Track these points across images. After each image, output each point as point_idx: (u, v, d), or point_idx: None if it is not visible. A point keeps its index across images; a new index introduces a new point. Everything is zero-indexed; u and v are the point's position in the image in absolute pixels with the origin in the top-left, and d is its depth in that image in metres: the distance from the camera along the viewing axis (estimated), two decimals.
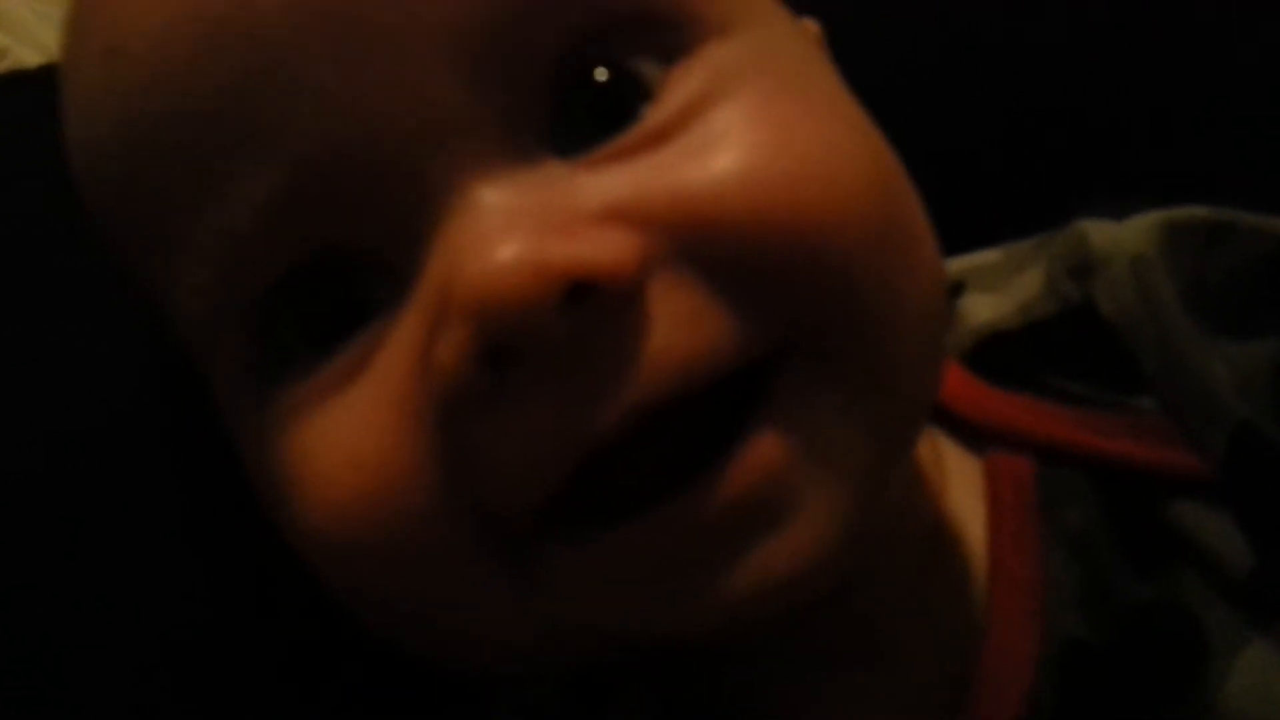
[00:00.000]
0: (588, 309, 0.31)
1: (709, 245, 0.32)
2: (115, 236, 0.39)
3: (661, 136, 0.34)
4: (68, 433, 0.45)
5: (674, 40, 0.35)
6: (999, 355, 0.44)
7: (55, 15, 1.12)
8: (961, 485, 0.43)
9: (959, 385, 0.44)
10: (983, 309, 0.45)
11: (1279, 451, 0.40)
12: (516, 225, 0.32)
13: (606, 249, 0.31)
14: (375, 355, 0.34)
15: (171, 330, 0.39)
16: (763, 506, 0.32)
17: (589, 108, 0.34)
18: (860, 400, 0.34)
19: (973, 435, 0.43)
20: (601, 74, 0.34)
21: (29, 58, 1.06)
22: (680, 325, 0.32)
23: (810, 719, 0.41)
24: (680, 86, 0.34)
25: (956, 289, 0.47)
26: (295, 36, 0.33)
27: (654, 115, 0.34)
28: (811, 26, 0.43)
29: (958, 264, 0.48)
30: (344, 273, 0.35)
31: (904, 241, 0.35)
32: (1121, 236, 0.43)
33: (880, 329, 0.34)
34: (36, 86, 0.55)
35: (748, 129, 0.33)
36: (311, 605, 0.39)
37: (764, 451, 0.32)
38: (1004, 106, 0.54)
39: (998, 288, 0.46)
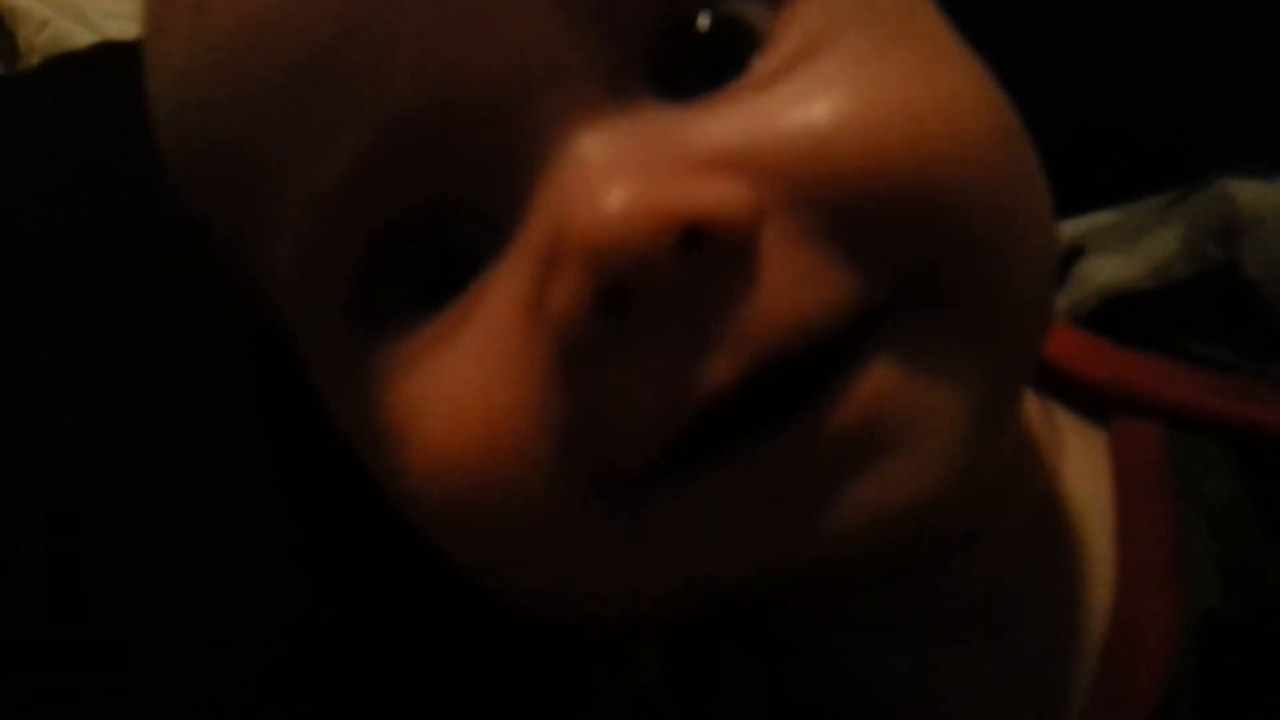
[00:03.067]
0: (702, 256, 0.30)
1: (823, 192, 0.31)
2: (206, 206, 0.38)
3: (771, 82, 0.32)
4: (169, 413, 0.44)
5: None
6: (1128, 317, 0.43)
7: None
8: (1082, 454, 0.41)
9: (1080, 348, 0.42)
10: (1108, 270, 0.44)
11: None
12: (625, 170, 0.31)
13: (720, 195, 0.30)
14: (481, 307, 0.33)
15: (263, 300, 0.38)
16: (878, 433, 0.31)
17: (695, 54, 0.33)
18: (974, 338, 0.32)
19: (1095, 403, 0.42)
20: (707, 20, 0.33)
21: (69, 27, 1.06)
22: (795, 280, 0.30)
23: (923, 692, 0.39)
24: (789, 32, 0.33)
25: (1076, 252, 0.45)
26: None
27: (763, 63, 0.33)
28: None
29: (1074, 226, 0.46)
30: (442, 225, 0.34)
31: (1022, 187, 0.34)
32: (1274, 196, 0.42)
33: (998, 274, 0.33)
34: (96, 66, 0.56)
35: (862, 73, 0.32)
36: (411, 581, 0.38)
37: (876, 382, 0.31)
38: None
39: (1123, 249, 0.44)
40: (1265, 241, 0.41)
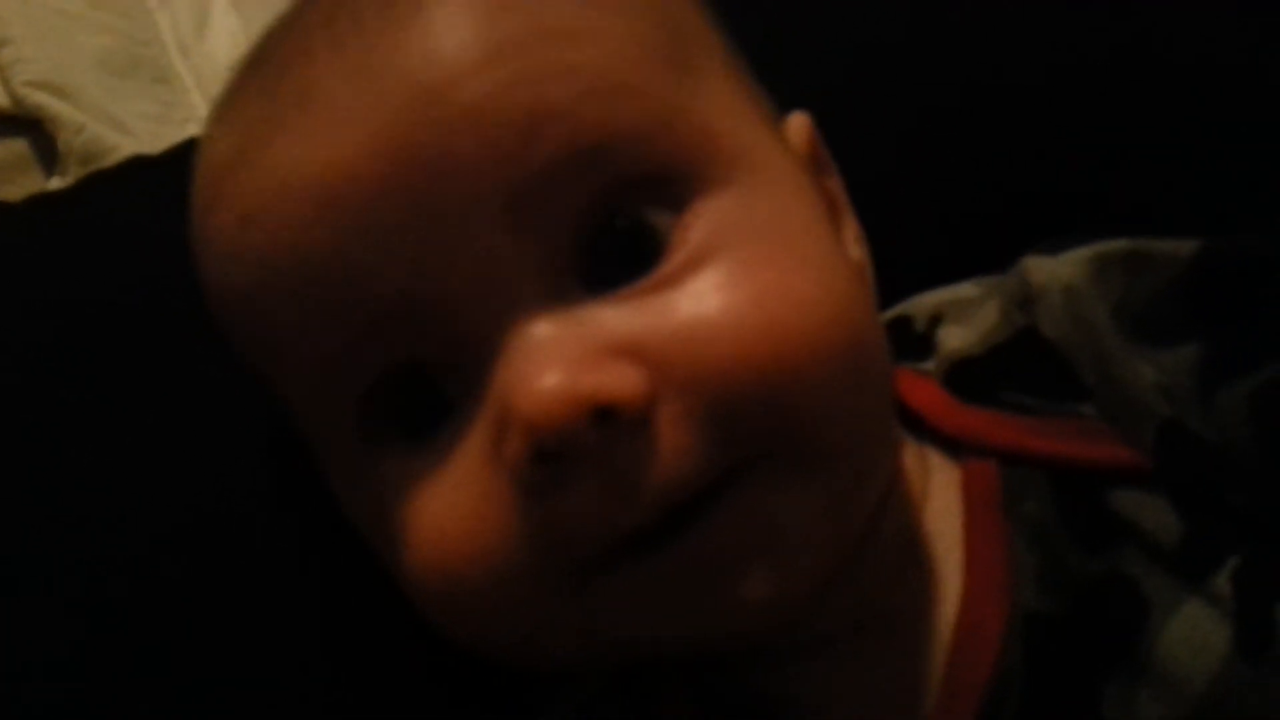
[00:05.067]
0: (611, 426, 0.40)
1: (700, 384, 0.41)
2: (241, 346, 0.48)
3: (668, 285, 0.43)
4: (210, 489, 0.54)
5: (681, 191, 0.44)
6: (967, 377, 0.52)
7: (125, 89, 1.19)
8: (943, 489, 0.50)
9: (940, 404, 0.51)
10: (953, 339, 0.53)
11: (1199, 441, 0.47)
12: (556, 357, 0.41)
13: (624, 384, 0.40)
14: (457, 448, 0.43)
15: (286, 409, 0.48)
16: (742, 548, 0.42)
17: (613, 251, 0.43)
18: (814, 483, 0.43)
19: (952, 446, 0.51)
20: (622, 224, 0.43)
21: (103, 131, 1.12)
22: (676, 451, 0.41)
23: (818, 692, 0.48)
24: (684, 239, 0.43)
25: (936, 320, 0.54)
26: (387, 209, 0.42)
27: (663, 266, 0.43)
28: (801, 123, 0.51)
29: (938, 296, 0.55)
30: (424, 377, 0.44)
31: (857, 378, 0.44)
32: (1056, 270, 0.50)
33: (833, 443, 0.43)
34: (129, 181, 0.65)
35: (735, 286, 0.42)
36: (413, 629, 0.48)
37: (740, 512, 0.42)
38: (976, 159, 0.60)
39: (965, 320, 0.53)
40: (1051, 308, 0.50)
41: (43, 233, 0.60)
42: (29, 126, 1.15)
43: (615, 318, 0.42)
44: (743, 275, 0.43)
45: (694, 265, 0.43)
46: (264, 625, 0.52)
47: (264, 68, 0.47)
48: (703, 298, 0.42)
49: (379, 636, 0.53)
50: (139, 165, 0.68)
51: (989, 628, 0.46)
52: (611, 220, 0.43)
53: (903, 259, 0.52)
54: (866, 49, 0.62)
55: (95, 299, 0.57)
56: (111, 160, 1.02)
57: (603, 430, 0.40)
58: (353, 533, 0.49)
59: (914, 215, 0.53)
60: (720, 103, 0.46)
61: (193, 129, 0.94)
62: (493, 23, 0.43)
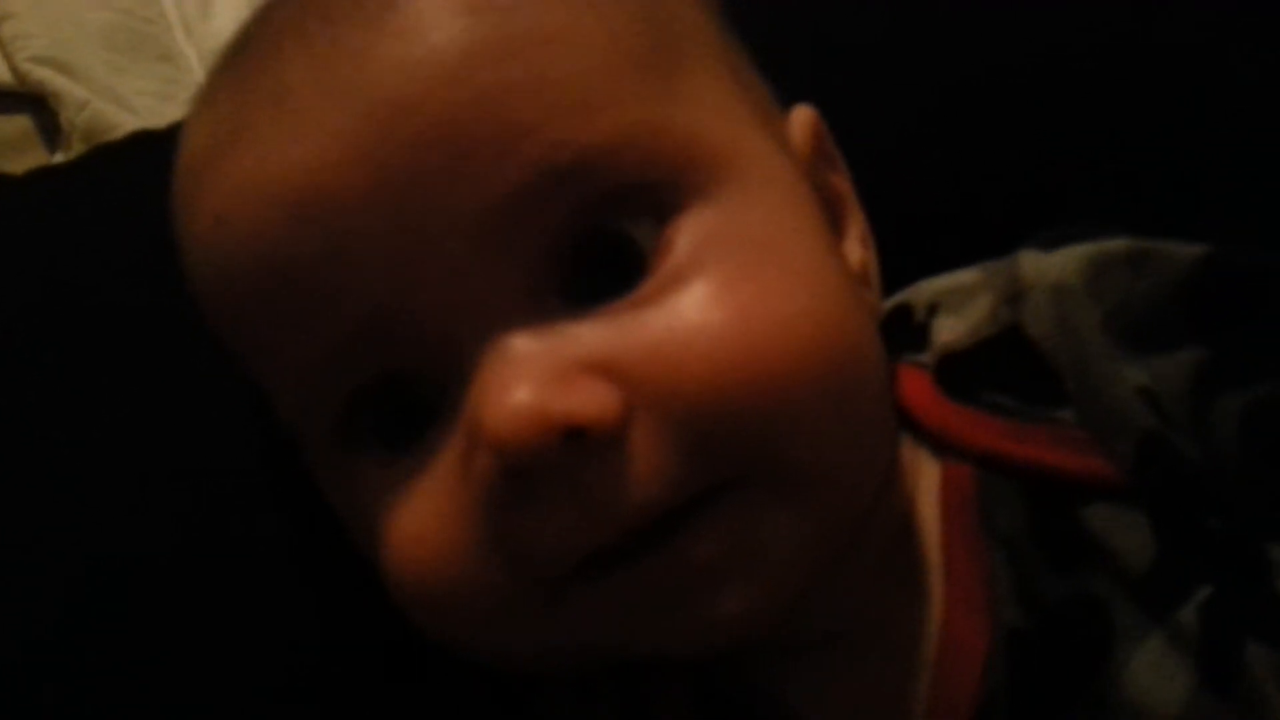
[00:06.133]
0: (581, 444, 0.39)
1: (677, 403, 0.40)
2: (226, 342, 0.48)
3: (649, 301, 0.42)
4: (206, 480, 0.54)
5: (665, 201, 0.43)
6: (954, 372, 0.50)
7: (128, 66, 1.19)
8: (927, 492, 0.48)
9: (927, 398, 0.50)
10: (945, 330, 0.51)
11: (1179, 457, 0.45)
12: (527, 373, 0.40)
13: (598, 404, 0.40)
14: (432, 459, 0.43)
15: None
16: (702, 579, 0.41)
17: (595, 266, 0.42)
18: (794, 505, 0.42)
19: (937, 443, 0.49)
20: (603, 238, 0.43)
21: (105, 107, 1.13)
22: (650, 471, 0.40)
23: (805, 697, 0.48)
24: (668, 255, 0.42)
25: (934, 309, 0.52)
26: (359, 223, 0.41)
27: (647, 281, 0.42)
28: (804, 118, 0.50)
29: (938, 283, 0.53)
30: (403, 387, 0.43)
31: (842, 399, 0.43)
32: (1047, 266, 0.48)
33: (813, 473, 0.42)
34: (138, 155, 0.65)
35: (716, 304, 0.41)
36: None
37: (701, 544, 0.41)
38: (983, 149, 0.60)
39: (959, 310, 0.51)
40: (1036, 306, 0.48)
41: (43, 207, 0.60)
42: (32, 103, 1.16)
43: (592, 334, 0.41)
44: (724, 292, 0.41)
45: (676, 281, 0.42)
46: (258, 622, 0.53)
47: (239, 61, 0.46)
48: (682, 315, 0.41)
49: (373, 630, 0.52)
50: (142, 139, 0.67)
51: (973, 645, 0.45)
52: (593, 234, 0.42)
53: (897, 256, 0.51)
54: (858, 48, 0.62)
55: (92, 278, 0.57)
56: (114, 137, 1.01)
57: (572, 449, 0.39)
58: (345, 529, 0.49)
59: (903, 214, 0.52)
60: (708, 103, 0.45)
61: None
62: (462, 28, 0.41)
